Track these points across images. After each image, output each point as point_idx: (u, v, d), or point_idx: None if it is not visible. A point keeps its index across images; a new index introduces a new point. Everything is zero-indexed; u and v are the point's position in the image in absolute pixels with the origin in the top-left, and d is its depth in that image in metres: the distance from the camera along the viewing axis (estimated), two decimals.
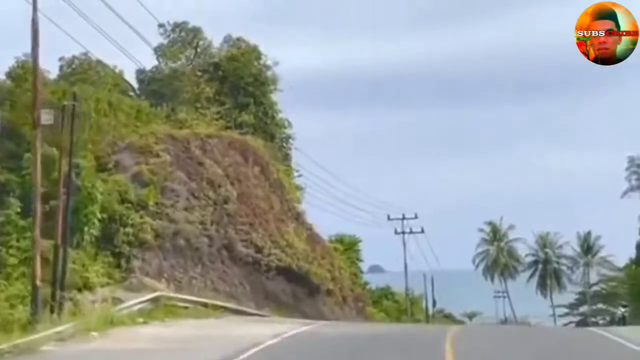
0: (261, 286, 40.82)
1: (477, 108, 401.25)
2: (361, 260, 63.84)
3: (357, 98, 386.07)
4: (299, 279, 41.95)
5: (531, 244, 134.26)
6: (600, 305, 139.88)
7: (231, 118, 45.91)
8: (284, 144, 49.46)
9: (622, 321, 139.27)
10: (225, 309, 37.70)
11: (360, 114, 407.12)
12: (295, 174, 49.97)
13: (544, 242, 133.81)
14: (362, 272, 63.76)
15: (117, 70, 51.73)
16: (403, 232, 71.28)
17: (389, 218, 72.45)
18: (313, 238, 45.28)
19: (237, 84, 48.53)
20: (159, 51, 51.94)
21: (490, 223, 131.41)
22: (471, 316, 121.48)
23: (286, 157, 49.32)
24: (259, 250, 41.21)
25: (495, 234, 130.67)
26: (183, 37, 53.44)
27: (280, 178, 44.48)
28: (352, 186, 69.83)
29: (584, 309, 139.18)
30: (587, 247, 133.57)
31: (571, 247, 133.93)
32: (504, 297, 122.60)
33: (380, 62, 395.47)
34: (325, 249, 45.70)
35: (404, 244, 69.07)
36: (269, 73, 49.78)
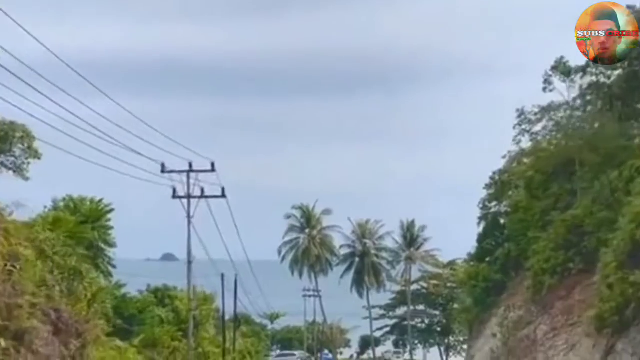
0: None
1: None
2: (111, 246, 40.30)
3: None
4: None
5: (348, 234, 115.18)
6: (420, 307, 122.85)
7: None
8: None
9: (444, 328, 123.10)
10: None
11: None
12: None
13: (362, 231, 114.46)
14: (111, 265, 40.01)
15: None
16: (189, 197, 37.89)
17: (163, 169, 38.25)
18: None
19: None
20: None
21: (301, 207, 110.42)
22: (273, 318, 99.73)
23: None
24: None
25: (308, 221, 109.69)
26: None
27: None
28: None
29: (401, 311, 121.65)
30: (411, 238, 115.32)
31: (392, 238, 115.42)
32: (315, 296, 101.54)
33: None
34: None
35: (189, 215, 37.93)
36: None
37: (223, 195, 39.00)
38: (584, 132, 56.72)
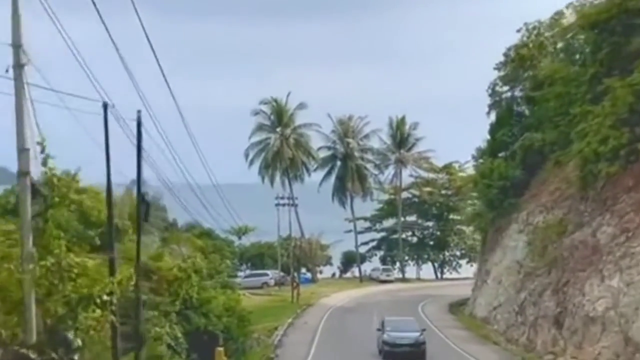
0: None
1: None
2: None
3: None
4: None
5: (328, 133, 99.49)
6: (411, 218, 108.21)
7: None
8: None
9: (438, 241, 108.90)
10: None
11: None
12: None
13: (345, 130, 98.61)
14: None
15: None
16: None
17: None
18: None
19: None
20: None
21: (270, 102, 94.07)
22: (240, 232, 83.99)
23: None
24: None
25: (280, 117, 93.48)
26: None
27: None
28: None
29: (390, 222, 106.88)
30: (401, 138, 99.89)
31: (380, 138, 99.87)
32: (290, 205, 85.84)
33: None
34: None
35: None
36: None
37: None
38: None
